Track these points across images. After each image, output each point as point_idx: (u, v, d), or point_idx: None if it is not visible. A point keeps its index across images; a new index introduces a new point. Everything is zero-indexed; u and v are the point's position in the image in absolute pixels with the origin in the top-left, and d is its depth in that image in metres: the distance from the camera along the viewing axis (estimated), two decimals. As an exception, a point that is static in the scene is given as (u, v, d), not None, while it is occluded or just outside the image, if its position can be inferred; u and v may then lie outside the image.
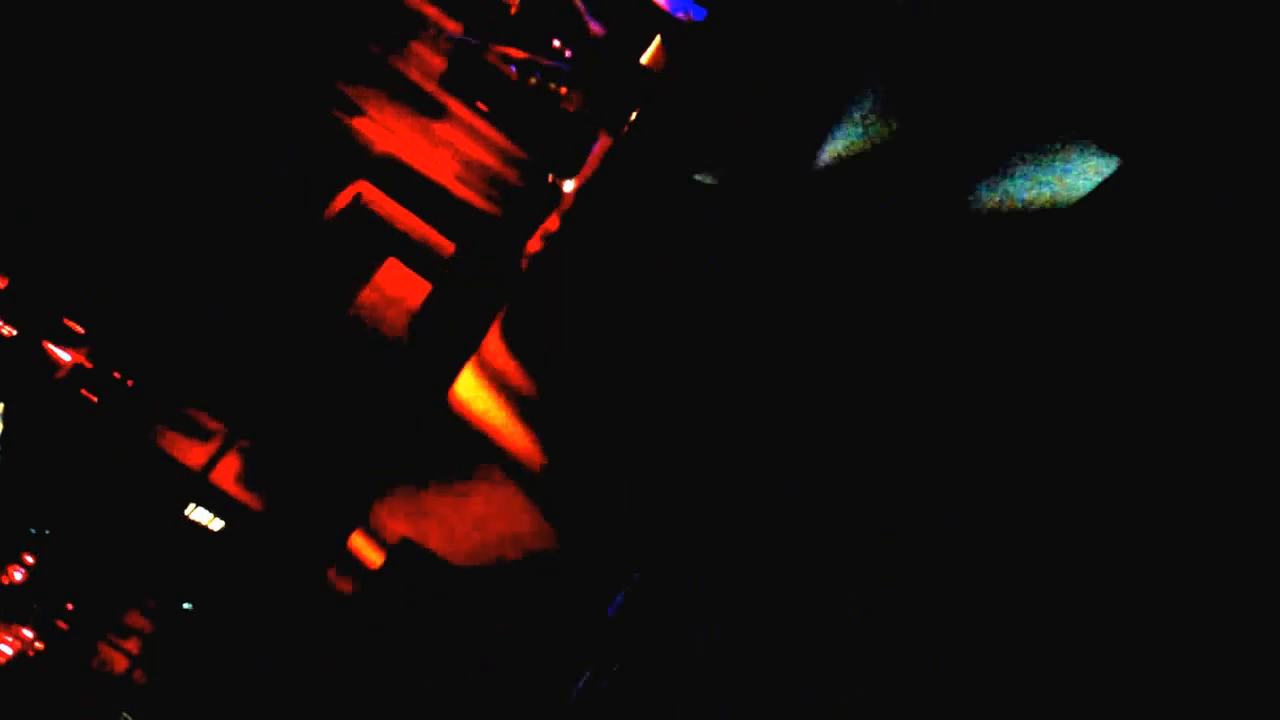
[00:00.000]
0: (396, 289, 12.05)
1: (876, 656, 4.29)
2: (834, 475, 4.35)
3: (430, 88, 11.01)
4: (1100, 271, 3.99)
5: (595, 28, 4.49)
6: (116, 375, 10.84)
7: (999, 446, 4.20)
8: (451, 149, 11.20)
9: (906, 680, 4.30)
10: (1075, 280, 4.04)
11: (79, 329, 10.62)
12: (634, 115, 4.45)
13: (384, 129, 11.65)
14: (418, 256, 12.42)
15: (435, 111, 10.96)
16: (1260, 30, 3.63)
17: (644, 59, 4.54)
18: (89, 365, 10.85)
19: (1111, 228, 4.00)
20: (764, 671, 4.36)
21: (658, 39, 4.48)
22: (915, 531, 4.29)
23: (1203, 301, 3.84)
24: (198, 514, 10.19)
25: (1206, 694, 3.91)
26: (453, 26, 9.75)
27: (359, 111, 11.48)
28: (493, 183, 11.08)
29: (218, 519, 9.96)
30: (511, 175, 10.48)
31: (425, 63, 10.74)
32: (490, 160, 10.95)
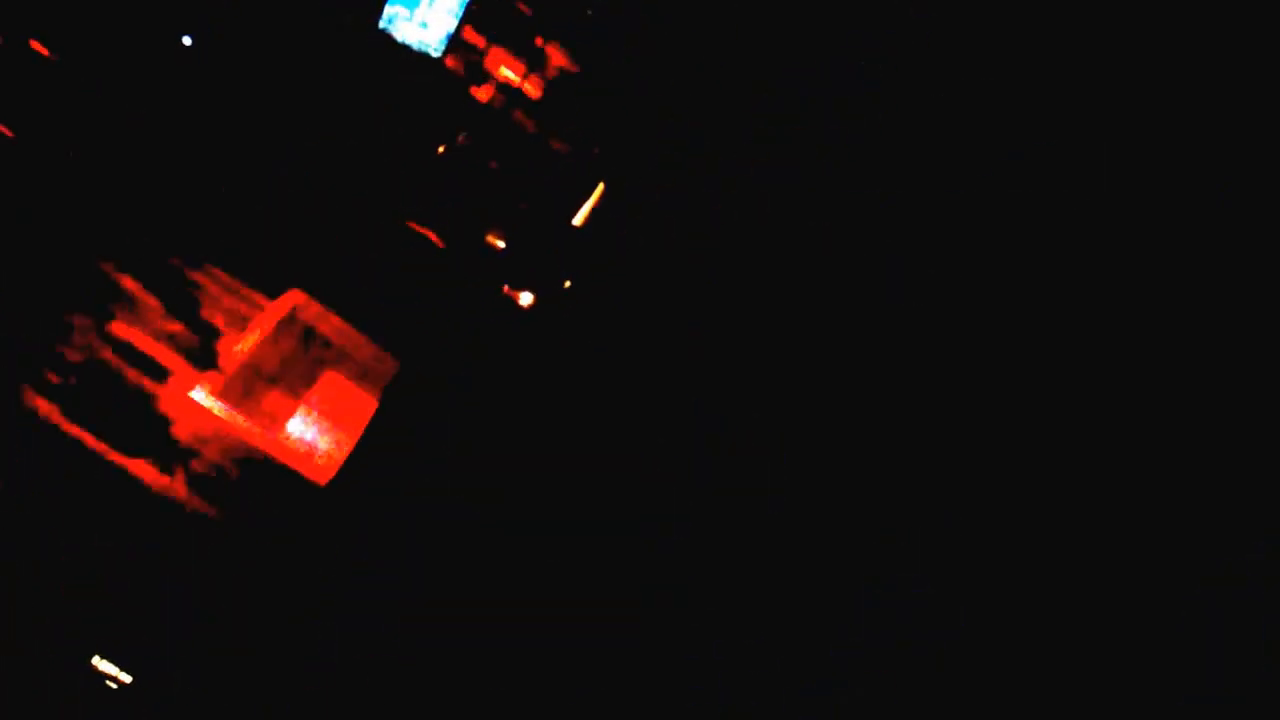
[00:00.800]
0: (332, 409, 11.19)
1: (876, 656, 4.29)
2: (833, 475, 4.33)
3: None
4: (1100, 269, 4.00)
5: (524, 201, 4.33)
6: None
7: (998, 446, 4.20)
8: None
9: (906, 680, 4.31)
10: (1075, 277, 4.04)
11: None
12: (567, 283, 4.33)
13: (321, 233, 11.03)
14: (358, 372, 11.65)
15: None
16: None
17: (578, 218, 4.38)
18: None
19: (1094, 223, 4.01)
20: (764, 671, 4.34)
21: (600, 188, 4.33)
22: (915, 531, 4.29)
23: (1202, 302, 3.87)
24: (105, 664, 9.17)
25: (1205, 693, 3.94)
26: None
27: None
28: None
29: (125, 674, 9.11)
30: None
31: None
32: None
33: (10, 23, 4.31)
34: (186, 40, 3.92)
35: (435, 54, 4.11)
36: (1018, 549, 4.21)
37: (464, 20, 4.13)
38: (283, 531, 4.05)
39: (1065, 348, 4.08)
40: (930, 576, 4.29)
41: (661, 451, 4.28)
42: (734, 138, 4.03)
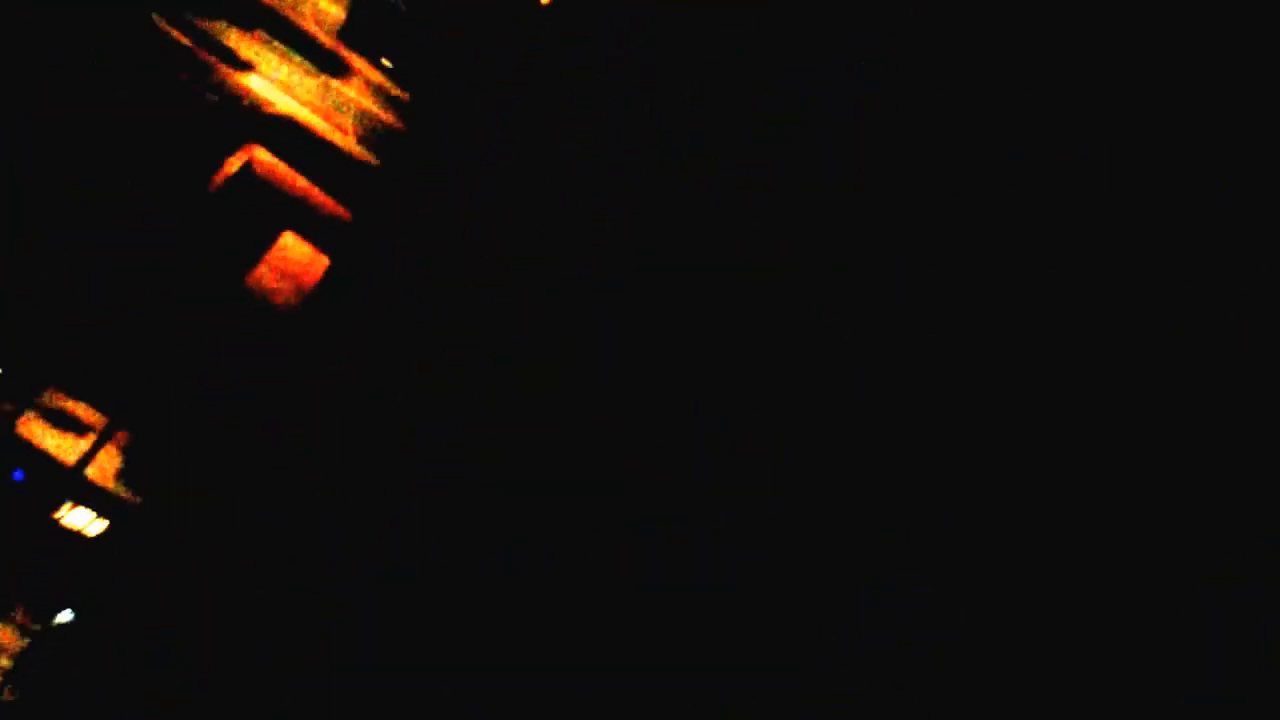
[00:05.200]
0: (292, 265, 10.97)
1: (877, 656, 4.29)
2: (833, 475, 4.33)
3: (329, 42, 10.20)
4: (1100, 269, 4.01)
5: None
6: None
7: (999, 446, 4.21)
8: (353, 109, 10.38)
9: (907, 680, 4.30)
10: (1075, 276, 4.05)
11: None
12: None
13: (278, 87, 10.64)
14: (315, 228, 11.24)
15: (335, 68, 10.13)
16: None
17: None
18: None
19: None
20: (764, 671, 4.34)
21: None
22: (915, 531, 4.29)
23: (1205, 301, 3.87)
24: (73, 516, 8.98)
25: (1206, 694, 3.94)
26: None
27: (247, 67, 10.50)
28: (398, 144, 10.22)
29: (97, 520, 8.92)
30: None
31: (322, 13, 9.93)
32: (396, 121, 10.19)
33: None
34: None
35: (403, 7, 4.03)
36: (1018, 549, 4.21)
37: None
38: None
39: (1065, 347, 4.09)
40: (930, 576, 4.29)
41: (661, 451, 4.28)
42: (733, 138, 4.03)
